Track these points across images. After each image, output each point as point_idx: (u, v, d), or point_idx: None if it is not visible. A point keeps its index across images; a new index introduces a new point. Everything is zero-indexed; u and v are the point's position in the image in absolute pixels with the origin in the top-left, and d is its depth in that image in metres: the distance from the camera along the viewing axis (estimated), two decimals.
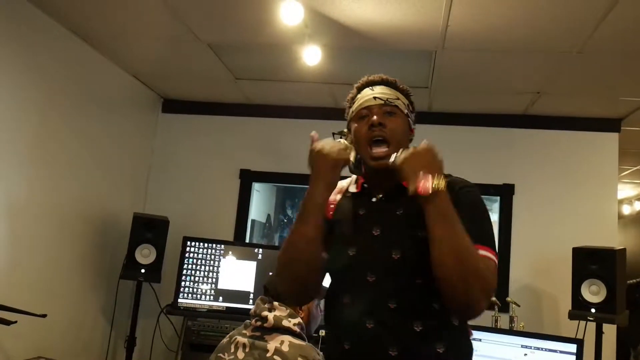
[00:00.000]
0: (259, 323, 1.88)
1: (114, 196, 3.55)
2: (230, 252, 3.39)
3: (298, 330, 1.88)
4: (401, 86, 1.57)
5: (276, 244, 4.57)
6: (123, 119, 3.59)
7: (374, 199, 1.54)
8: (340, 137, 1.63)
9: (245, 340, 1.87)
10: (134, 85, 3.69)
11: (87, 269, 3.30)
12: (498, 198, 3.71)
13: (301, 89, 3.57)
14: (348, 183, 1.66)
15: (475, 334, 2.76)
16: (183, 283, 3.33)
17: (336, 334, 1.51)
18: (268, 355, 1.78)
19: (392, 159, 1.38)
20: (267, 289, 2.02)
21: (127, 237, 3.29)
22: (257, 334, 1.87)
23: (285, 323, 1.87)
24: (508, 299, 3.22)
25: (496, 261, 1.36)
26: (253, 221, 4.14)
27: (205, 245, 3.39)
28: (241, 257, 3.39)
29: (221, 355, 1.92)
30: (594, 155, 3.65)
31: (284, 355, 1.77)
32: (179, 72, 3.55)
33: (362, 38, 2.71)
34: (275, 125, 3.97)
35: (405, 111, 1.54)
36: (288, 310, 1.91)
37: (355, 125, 1.53)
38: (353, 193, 1.61)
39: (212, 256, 3.38)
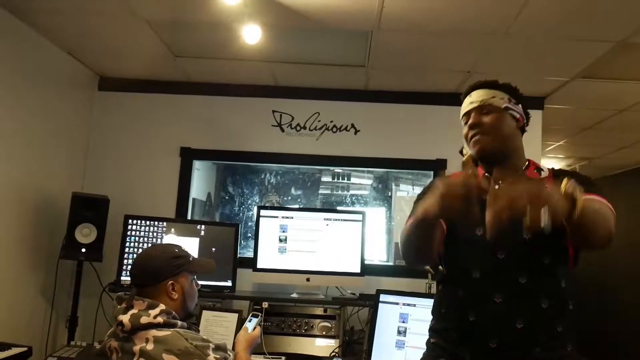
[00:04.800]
0: (119, 328, 1.78)
1: (51, 176, 3.47)
2: (172, 230, 3.41)
3: (162, 320, 1.78)
4: (501, 83, 1.73)
5: (217, 220, 4.59)
6: (58, 97, 3.50)
7: (497, 186, 1.67)
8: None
9: (116, 344, 1.80)
10: (68, 62, 3.59)
11: (25, 251, 3.24)
12: (432, 172, 3.90)
13: (242, 67, 3.59)
14: None
15: (410, 300, 2.94)
16: (125, 261, 3.33)
17: (462, 308, 1.61)
18: (135, 359, 1.73)
19: (542, 224, 1.23)
20: (134, 276, 1.90)
21: (66, 217, 3.26)
22: (125, 335, 1.78)
23: (144, 320, 1.76)
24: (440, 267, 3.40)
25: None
26: (194, 200, 4.14)
27: (147, 223, 3.39)
28: (183, 233, 3.41)
29: None
30: None
31: (149, 356, 1.71)
32: (115, 50, 3.48)
33: (300, 17, 2.77)
34: (216, 103, 3.97)
35: (503, 105, 1.69)
36: (146, 302, 1.80)
37: (464, 131, 1.77)
38: None
39: (154, 234, 3.39)
